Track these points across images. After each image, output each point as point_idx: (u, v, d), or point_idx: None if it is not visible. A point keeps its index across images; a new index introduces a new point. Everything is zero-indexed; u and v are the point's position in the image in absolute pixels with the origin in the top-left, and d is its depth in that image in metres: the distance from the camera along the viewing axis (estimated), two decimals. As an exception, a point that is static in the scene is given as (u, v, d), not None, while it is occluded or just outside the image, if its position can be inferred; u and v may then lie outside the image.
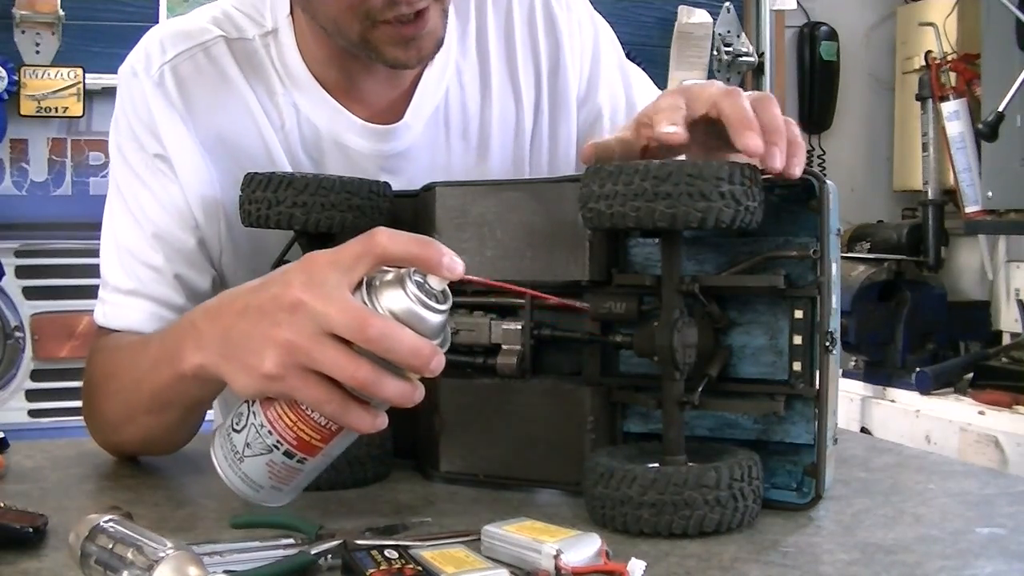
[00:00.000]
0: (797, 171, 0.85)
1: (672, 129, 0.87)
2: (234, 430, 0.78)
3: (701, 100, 0.90)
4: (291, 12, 1.13)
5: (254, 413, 0.77)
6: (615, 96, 1.26)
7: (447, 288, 0.75)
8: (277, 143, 1.12)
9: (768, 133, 0.85)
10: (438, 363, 0.74)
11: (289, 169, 1.12)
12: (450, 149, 1.18)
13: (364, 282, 0.75)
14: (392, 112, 1.15)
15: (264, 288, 0.79)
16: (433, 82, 1.17)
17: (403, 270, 0.75)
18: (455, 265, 0.74)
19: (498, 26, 1.21)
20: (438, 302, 0.74)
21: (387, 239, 0.75)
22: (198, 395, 0.93)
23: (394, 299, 0.74)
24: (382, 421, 0.76)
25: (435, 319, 0.74)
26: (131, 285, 1.10)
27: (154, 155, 1.10)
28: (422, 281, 0.74)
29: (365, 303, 0.74)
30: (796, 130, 0.87)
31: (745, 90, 0.98)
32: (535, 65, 1.22)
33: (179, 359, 0.86)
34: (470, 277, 0.77)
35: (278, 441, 0.76)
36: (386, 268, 0.76)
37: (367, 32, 1.01)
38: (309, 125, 1.13)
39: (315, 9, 1.04)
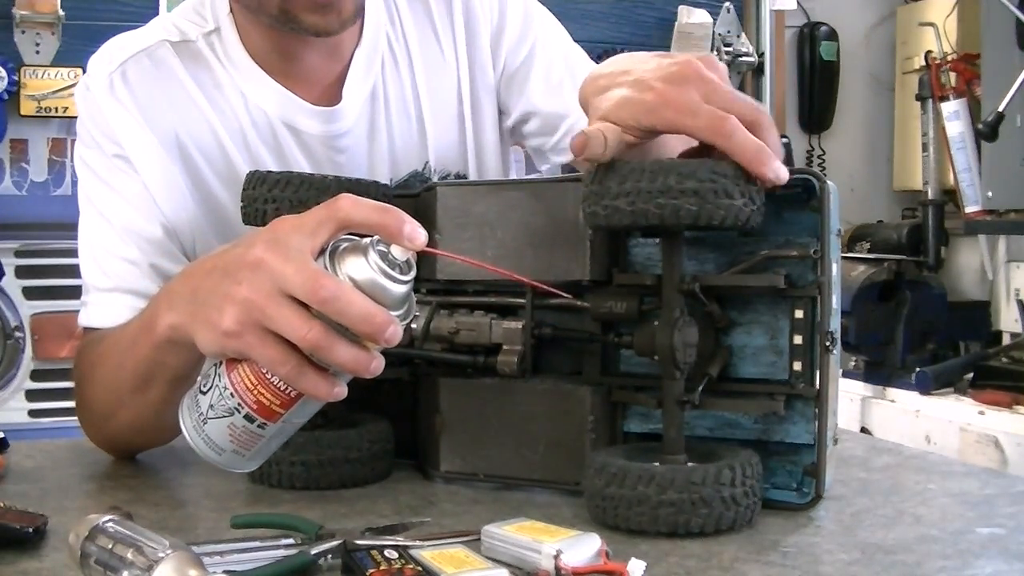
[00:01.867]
0: (781, 177, 0.81)
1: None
2: (201, 392, 0.78)
3: (639, 117, 0.83)
4: (231, 10, 1.17)
5: (219, 375, 0.77)
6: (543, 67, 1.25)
7: (412, 259, 0.74)
8: (228, 136, 1.16)
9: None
10: (393, 333, 0.72)
11: (241, 160, 1.15)
12: (391, 127, 1.20)
13: (329, 249, 0.74)
14: (337, 94, 1.18)
15: (232, 248, 0.80)
16: (364, 59, 1.19)
17: (367, 239, 0.74)
18: (416, 235, 0.72)
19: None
20: (401, 272, 0.73)
21: (350, 205, 0.74)
22: (175, 364, 0.92)
23: (355, 267, 0.73)
24: (341, 391, 0.75)
25: (397, 289, 0.73)
26: (110, 283, 1.13)
27: (113, 155, 1.15)
28: (385, 251, 0.73)
29: (327, 269, 0.73)
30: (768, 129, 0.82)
31: (744, 91, 0.97)
32: (453, 32, 1.23)
33: (154, 324, 0.87)
34: (432, 250, 0.75)
35: (239, 404, 0.75)
36: (353, 236, 0.75)
37: (285, 2, 1.06)
38: (258, 111, 1.16)
39: None
